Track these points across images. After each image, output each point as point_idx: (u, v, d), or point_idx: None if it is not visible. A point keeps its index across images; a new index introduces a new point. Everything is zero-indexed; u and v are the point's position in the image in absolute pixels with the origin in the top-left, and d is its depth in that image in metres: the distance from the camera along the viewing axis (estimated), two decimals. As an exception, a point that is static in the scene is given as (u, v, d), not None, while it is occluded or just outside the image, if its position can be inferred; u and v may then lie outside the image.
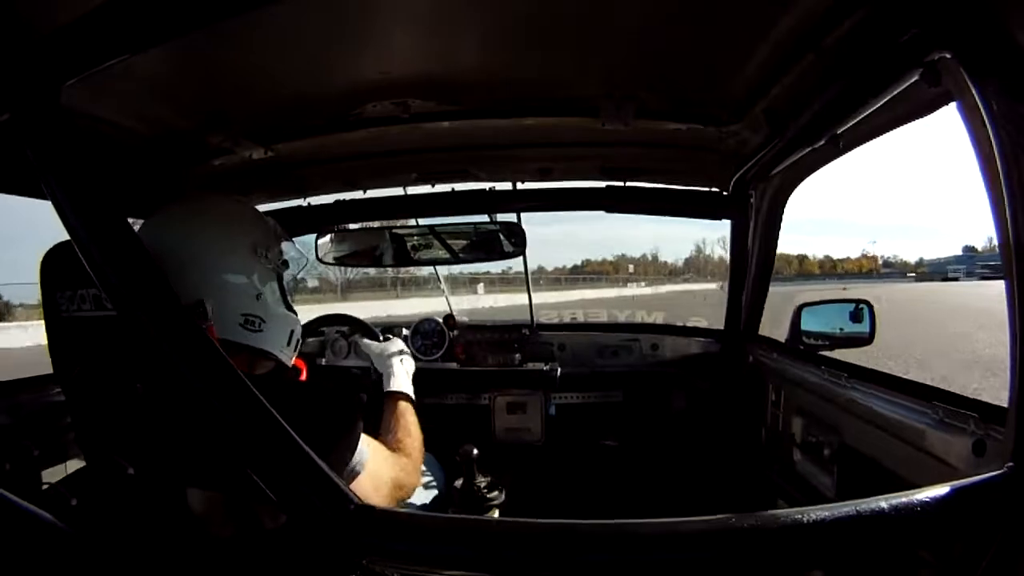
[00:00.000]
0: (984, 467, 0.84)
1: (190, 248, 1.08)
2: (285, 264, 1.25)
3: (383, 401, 1.46)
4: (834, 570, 0.71)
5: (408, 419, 1.40)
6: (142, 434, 1.01)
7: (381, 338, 1.72)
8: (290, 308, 1.25)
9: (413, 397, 1.48)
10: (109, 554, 0.86)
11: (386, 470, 1.15)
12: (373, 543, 0.65)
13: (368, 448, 1.11)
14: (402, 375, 1.52)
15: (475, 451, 1.87)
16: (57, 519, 0.77)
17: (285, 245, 1.26)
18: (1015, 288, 0.72)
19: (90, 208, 0.72)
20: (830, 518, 0.61)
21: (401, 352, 1.60)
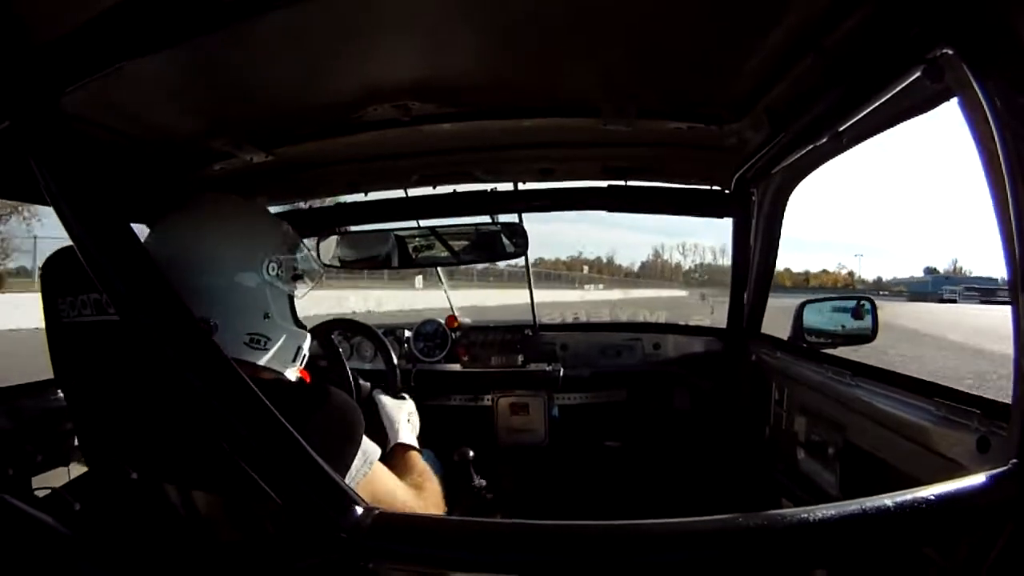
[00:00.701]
0: (988, 464, 0.83)
1: (197, 263, 1.07)
2: (298, 277, 1.23)
3: (392, 449, 1.43)
4: (840, 569, 0.71)
5: (420, 466, 1.37)
6: (146, 439, 1.01)
7: (398, 388, 1.74)
8: (299, 323, 1.23)
9: (420, 451, 1.47)
10: (113, 559, 0.86)
11: (393, 483, 1.14)
12: (380, 546, 0.64)
13: (373, 456, 1.09)
14: (409, 430, 1.51)
15: (471, 453, 1.88)
16: (60, 524, 0.77)
17: (299, 254, 1.24)
18: (1018, 284, 0.72)
19: (93, 215, 0.72)
20: (836, 516, 0.61)
21: (411, 412, 1.59)
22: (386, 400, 1.62)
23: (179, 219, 1.14)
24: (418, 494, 1.21)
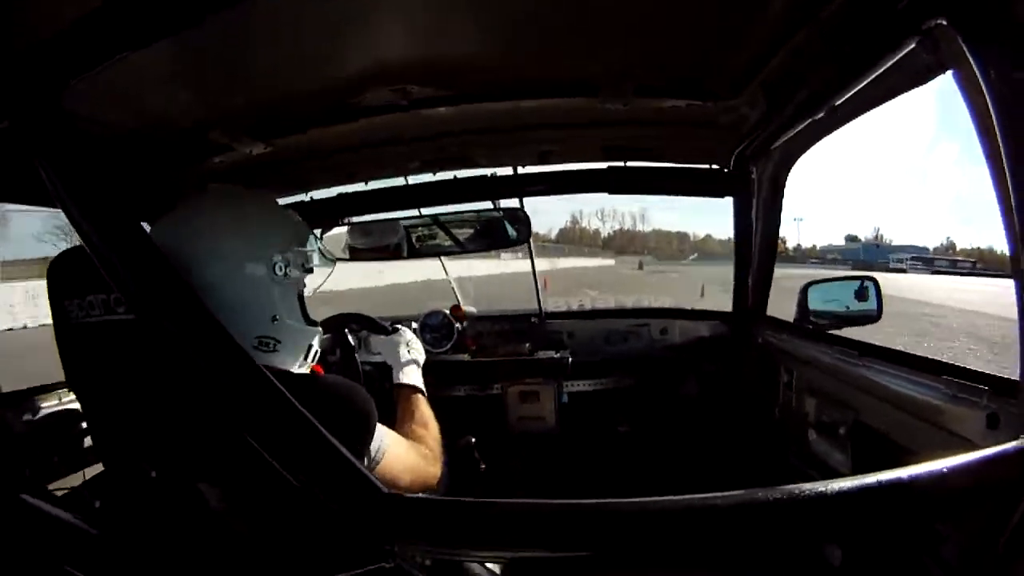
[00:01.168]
0: (998, 440, 0.84)
1: (198, 260, 1.03)
2: (308, 271, 1.19)
3: (392, 389, 1.46)
4: (854, 546, 0.72)
5: (421, 410, 1.39)
6: (162, 436, 1.02)
7: (390, 330, 1.71)
8: (309, 320, 1.20)
9: (422, 387, 1.48)
10: (138, 553, 0.88)
11: (405, 459, 1.16)
12: (403, 529, 0.66)
13: (387, 438, 1.12)
14: (411, 366, 1.51)
15: (472, 439, 1.89)
16: (82, 521, 0.78)
17: (309, 247, 1.20)
18: (1020, 258, 0.72)
19: (102, 213, 0.73)
20: (851, 490, 0.61)
21: (409, 343, 1.58)
22: (380, 337, 1.65)
23: (181, 214, 1.11)
24: (419, 450, 1.24)
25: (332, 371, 1.64)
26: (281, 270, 1.10)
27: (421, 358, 1.57)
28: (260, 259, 1.09)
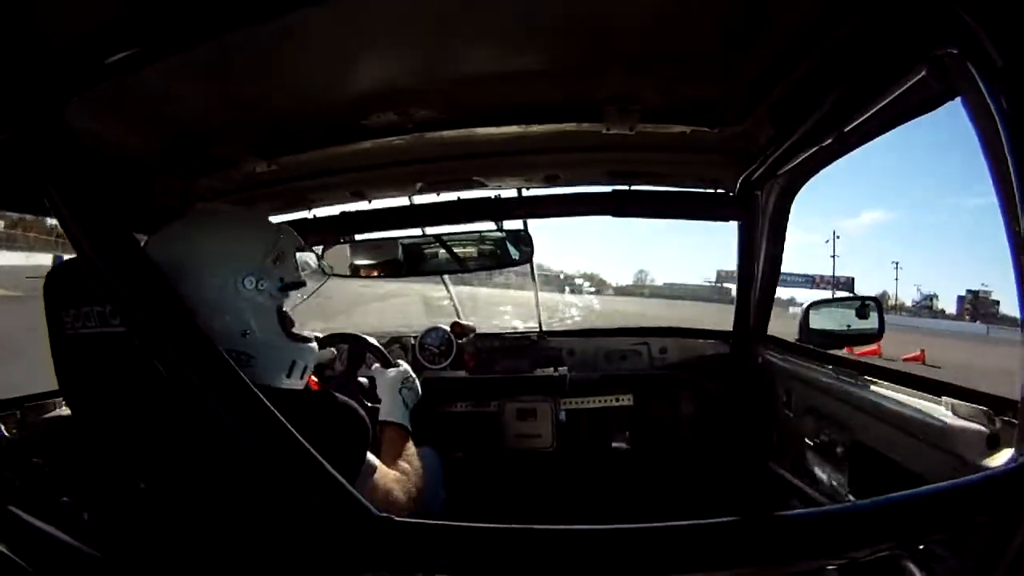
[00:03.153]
0: (997, 460, 0.83)
1: (174, 279, 1.00)
2: (288, 288, 1.18)
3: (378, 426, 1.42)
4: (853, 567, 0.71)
5: (400, 448, 1.35)
6: (152, 448, 1.01)
7: (392, 361, 1.71)
8: (294, 336, 1.18)
9: (406, 427, 1.44)
10: (125, 566, 0.86)
11: (386, 486, 1.15)
12: (395, 552, 0.64)
13: (374, 462, 1.13)
14: (398, 404, 1.47)
15: (460, 453, 1.87)
16: (70, 534, 0.77)
17: (286, 263, 1.19)
18: (1023, 281, 0.72)
19: (98, 226, 0.72)
20: (848, 514, 0.61)
21: (406, 381, 1.55)
22: (378, 369, 1.62)
23: (165, 230, 1.13)
24: (402, 483, 1.21)
25: (331, 386, 1.63)
26: (251, 285, 1.10)
27: (411, 397, 1.53)
28: (227, 274, 1.09)
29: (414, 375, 1.60)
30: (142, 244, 1.12)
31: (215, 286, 1.08)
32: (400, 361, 1.66)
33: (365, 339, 1.94)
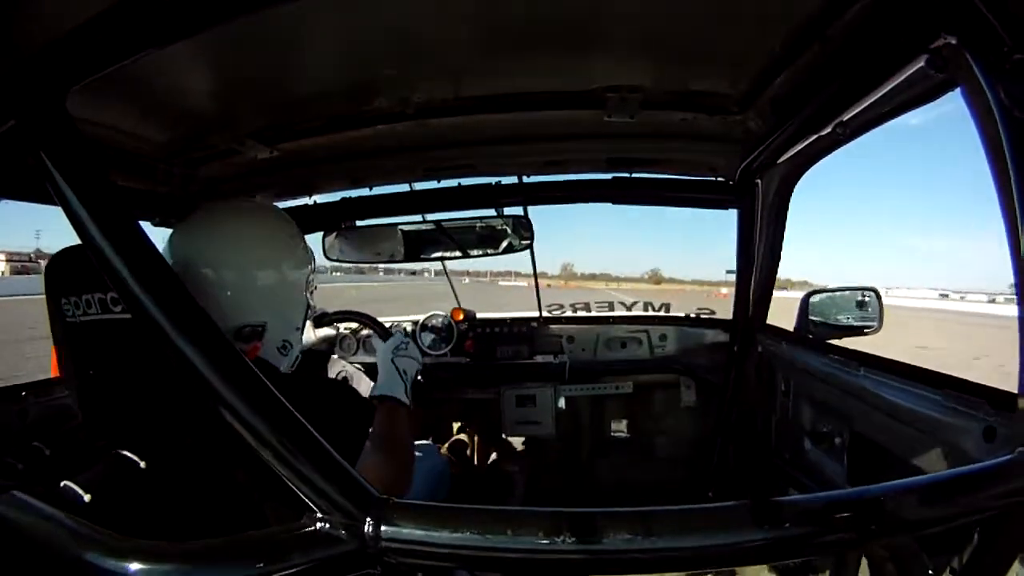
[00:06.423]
0: (994, 453, 0.84)
1: (251, 267, 1.21)
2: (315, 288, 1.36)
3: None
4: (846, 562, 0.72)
5: (392, 428, 1.28)
6: (153, 430, 1.03)
7: (389, 332, 1.67)
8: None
9: (402, 399, 1.35)
10: (126, 549, 0.87)
11: (375, 470, 1.13)
12: (397, 534, 0.65)
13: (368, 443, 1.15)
14: (392, 374, 1.40)
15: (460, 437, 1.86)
16: (72, 517, 0.78)
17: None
18: (1021, 273, 0.72)
19: (103, 213, 0.73)
20: (843, 502, 0.61)
21: (397, 349, 1.48)
22: (377, 341, 1.66)
23: (226, 222, 1.24)
24: (385, 460, 1.17)
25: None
26: (312, 285, 1.31)
27: (410, 366, 1.45)
28: (301, 273, 1.29)
29: (408, 340, 1.53)
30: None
31: (292, 282, 1.28)
32: (393, 331, 1.65)
33: (358, 312, 1.93)
